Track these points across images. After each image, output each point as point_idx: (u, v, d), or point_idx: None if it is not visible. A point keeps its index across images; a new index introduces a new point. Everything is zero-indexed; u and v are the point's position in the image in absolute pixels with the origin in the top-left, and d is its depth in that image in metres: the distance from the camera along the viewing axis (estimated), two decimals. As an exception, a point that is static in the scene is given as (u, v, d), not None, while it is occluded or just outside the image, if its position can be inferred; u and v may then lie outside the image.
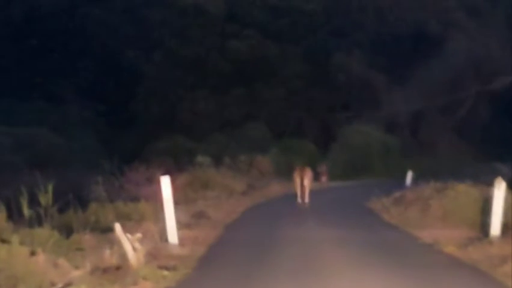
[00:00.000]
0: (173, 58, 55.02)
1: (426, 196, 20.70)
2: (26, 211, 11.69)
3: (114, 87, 55.50)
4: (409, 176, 33.39)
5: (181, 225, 16.92)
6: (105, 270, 10.64)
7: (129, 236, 11.36)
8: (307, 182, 25.32)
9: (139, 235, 11.69)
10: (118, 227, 11.34)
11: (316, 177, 33.02)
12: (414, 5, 54.80)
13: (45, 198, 12.08)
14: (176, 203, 23.10)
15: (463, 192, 18.45)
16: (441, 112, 55.10)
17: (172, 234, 14.21)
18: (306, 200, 25.19)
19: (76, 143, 45.96)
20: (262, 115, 52.56)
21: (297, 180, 25.41)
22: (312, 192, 26.89)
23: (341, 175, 42.26)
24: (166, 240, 14.23)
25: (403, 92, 51.78)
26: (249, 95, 53.91)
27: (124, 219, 15.92)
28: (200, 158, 35.76)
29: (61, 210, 15.58)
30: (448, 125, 55.17)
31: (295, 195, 26.54)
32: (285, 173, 37.27)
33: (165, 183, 14.32)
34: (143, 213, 16.58)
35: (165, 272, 11.05)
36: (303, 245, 14.58)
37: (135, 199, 20.42)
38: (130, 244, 11.15)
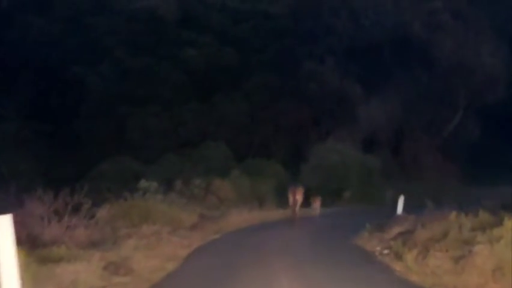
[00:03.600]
0: (121, 69, 51.83)
1: (454, 235, 14.00)
2: None
3: (57, 104, 52.39)
4: (401, 202, 28.80)
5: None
6: None
7: None
8: (299, 197, 27.48)
9: None
10: None
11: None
12: (392, 7, 50.39)
13: None
14: (94, 245, 17.18)
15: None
16: (425, 128, 51.31)
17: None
18: (297, 211, 27.30)
19: (8, 167, 41.80)
20: (222, 133, 48.12)
21: (291, 197, 27.64)
22: (282, 224, 26.47)
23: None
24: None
25: (383, 105, 47.29)
26: (207, 110, 49.87)
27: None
28: (144, 183, 29.68)
29: None
30: (433, 144, 51.01)
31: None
32: (249, 199, 34.75)
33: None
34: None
35: None
36: None
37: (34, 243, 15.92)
38: None
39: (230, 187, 36.34)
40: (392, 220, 23.13)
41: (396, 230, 19.66)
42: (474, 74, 48.09)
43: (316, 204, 33.06)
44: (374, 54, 48.92)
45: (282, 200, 35.89)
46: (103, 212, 20.57)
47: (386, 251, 16.64)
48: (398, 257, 14.99)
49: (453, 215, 16.27)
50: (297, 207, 27.83)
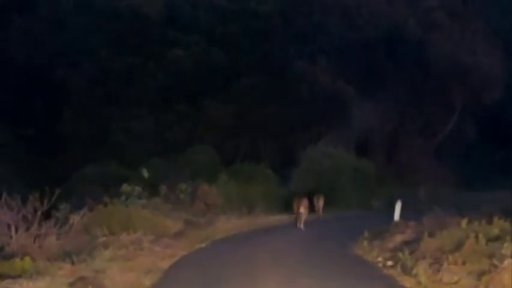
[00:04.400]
0: (105, 70, 50.34)
1: (470, 245, 12.30)
2: None
3: (39, 107, 51.45)
4: (398, 207, 27.32)
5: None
6: None
7: None
8: (303, 209, 28.36)
9: None
10: None
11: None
12: (385, 5, 48.94)
13: None
14: (66, 256, 15.89)
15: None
16: (420, 131, 49.84)
17: None
18: (302, 226, 27.61)
19: (-13, 173, 40.59)
20: (209, 136, 47.30)
21: (295, 208, 28.68)
22: (273, 231, 26.38)
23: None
24: None
25: (376, 107, 45.65)
26: (194, 112, 48.78)
27: None
28: (126, 187, 28.49)
29: None
30: (428, 147, 49.69)
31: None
32: (237, 205, 33.80)
33: None
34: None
35: None
36: None
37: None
38: None
39: (218, 192, 34.61)
40: (391, 227, 21.83)
41: (398, 238, 18.15)
42: (470, 75, 46.71)
43: (320, 203, 33.16)
44: (367, 54, 47.51)
45: (272, 206, 35.31)
46: (76, 219, 18.81)
47: (389, 263, 15.00)
48: (406, 270, 13.28)
49: (464, 222, 14.60)
50: (302, 220, 28.16)
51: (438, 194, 40.43)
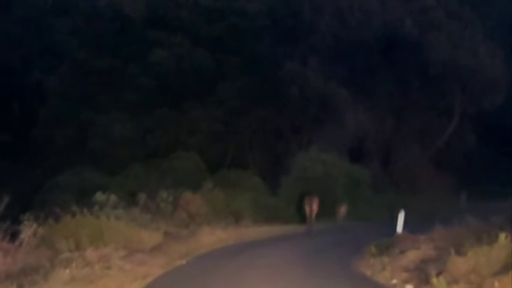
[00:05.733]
0: (83, 72, 48.63)
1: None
2: None
3: (16, 111, 50.96)
4: (401, 218, 25.94)
5: None
6: None
7: None
8: (315, 207, 30.77)
9: None
10: None
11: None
12: (380, 3, 47.46)
13: None
14: (16, 276, 13.92)
15: None
16: (417, 137, 48.22)
17: None
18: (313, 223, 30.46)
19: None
20: (193, 142, 45.86)
21: (307, 207, 30.93)
22: (262, 244, 24.49)
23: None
24: None
25: (371, 111, 44.97)
26: (177, 116, 47.35)
27: None
28: (100, 196, 26.32)
29: None
30: (426, 154, 48.39)
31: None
32: (223, 215, 32.43)
33: None
34: None
35: None
36: None
37: None
38: None
39: (202, 201, 33.22)
40: (395, 240, 19.60)
41: (411, 254, 15.64)
42: (471, 77, 45.41)
43: (342, 211, 35.04)
44: (361, 55, 46.26)
45: (260, 216, 33.76)
46: (28, 232, 16.23)
47: (409, 287, 12.36)
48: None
49: (502, 235, 11.98)
50: (313, 217, 30.74)
51: (436, 202, 39.64)
